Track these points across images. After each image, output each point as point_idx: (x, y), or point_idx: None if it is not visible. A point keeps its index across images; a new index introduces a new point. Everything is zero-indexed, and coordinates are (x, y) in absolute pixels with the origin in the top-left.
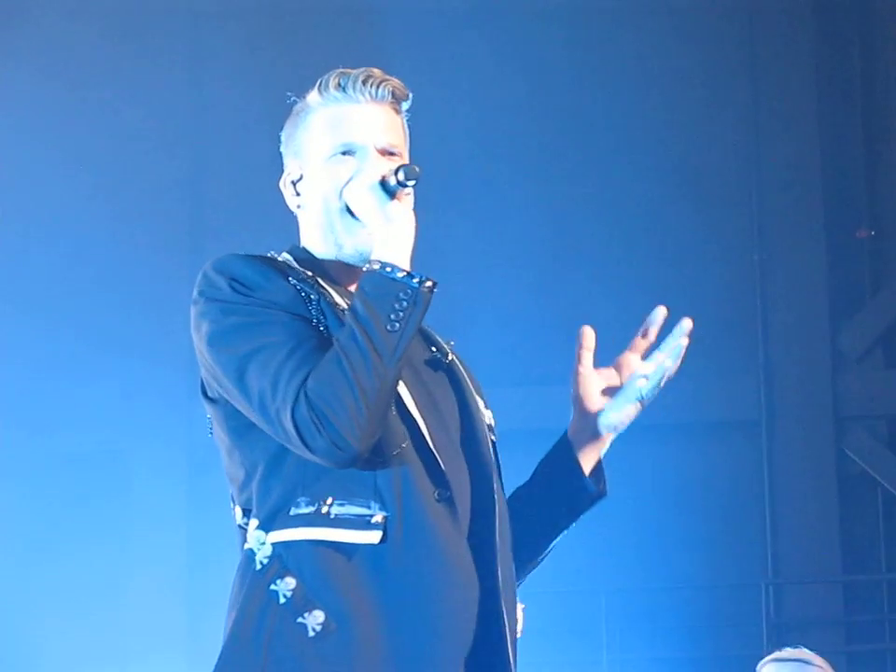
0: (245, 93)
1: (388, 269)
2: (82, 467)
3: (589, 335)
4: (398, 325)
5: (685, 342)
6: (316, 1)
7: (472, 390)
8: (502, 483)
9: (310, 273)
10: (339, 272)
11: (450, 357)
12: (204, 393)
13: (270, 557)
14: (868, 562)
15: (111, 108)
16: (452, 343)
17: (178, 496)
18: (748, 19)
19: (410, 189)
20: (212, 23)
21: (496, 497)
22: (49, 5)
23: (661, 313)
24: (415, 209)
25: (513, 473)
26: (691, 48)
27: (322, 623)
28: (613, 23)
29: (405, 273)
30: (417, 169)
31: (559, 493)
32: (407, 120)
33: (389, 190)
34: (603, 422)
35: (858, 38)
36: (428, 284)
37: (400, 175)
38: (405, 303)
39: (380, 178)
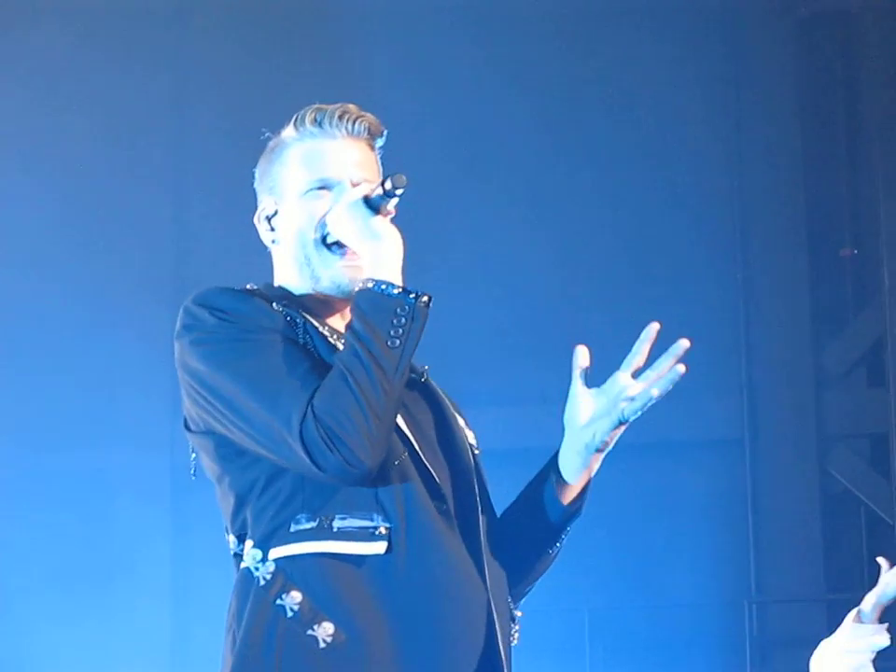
0: (229, 128)
1: (383, 286)
2: (64, 484)
3: (583, 354)
4: (398, 341)
5: (682, 368)
6: (304, 26)
7: (450, 407)
8: (489, 497)
9: (290, 303)
10: (316, 305)
11: (424, 378)
12: (188, 427)
13: (273, 573)
14: (851, 581)
15: (91, 140)
16: (427, 367)
17: (162, 513)
18: (731, 40)
19: (395, 201)
20: (196, 51)
21: (478, 508)
22: (26, 39)
23: (653, 329)
24: (397, 224)
25: (497, 492)
26: (672, 69)
27: (332, 635)
28: (596, 50)
29: (400, 290)
30: (404, 177)
31: (537, 512)
32: (381, 156)
33: (373, 207)
34: (587, 442)
35: (841, 57)
36: (424, 298)
37: (388, 185)
38: (403, 319)
39: (362, 197)
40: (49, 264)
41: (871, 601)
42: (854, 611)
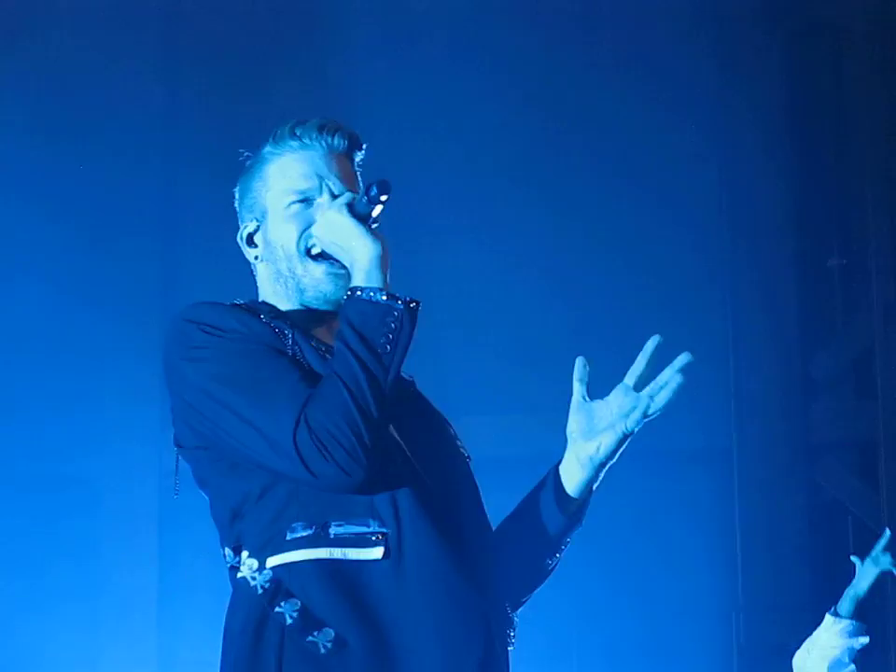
0: (220, 161)
1: (371, 293)
2: (50, 493)
3: (583, 366)
4: (388, 347)
5: (680, 378)
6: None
7: (440, 415)
8: (482, 504)
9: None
10: (304, 320)
11: (412, 388)
12: (179, 444)
13: (270, 581)
14: (838, 590)
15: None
16: (413, 377)
17: (149, 522)
18: (720, 52)
19: (380, 208)
20: (186, 75)
21: (472, 514)
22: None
23: (654, 342)
24: (383, 231)
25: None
26: (659, 82)
27: (332, 640)
28: (581, 59)
29: (388, 297)
30: (388, 184)
31: (536, 524)
32: (360, 165)
33: (358, 215)
34: (590, 455)
35: (831, 64)
36: (413, 304)
37: (372, 192)
38: (393, 325)
39: (346, 205)
40: (40, 277)
41: (847, 596)
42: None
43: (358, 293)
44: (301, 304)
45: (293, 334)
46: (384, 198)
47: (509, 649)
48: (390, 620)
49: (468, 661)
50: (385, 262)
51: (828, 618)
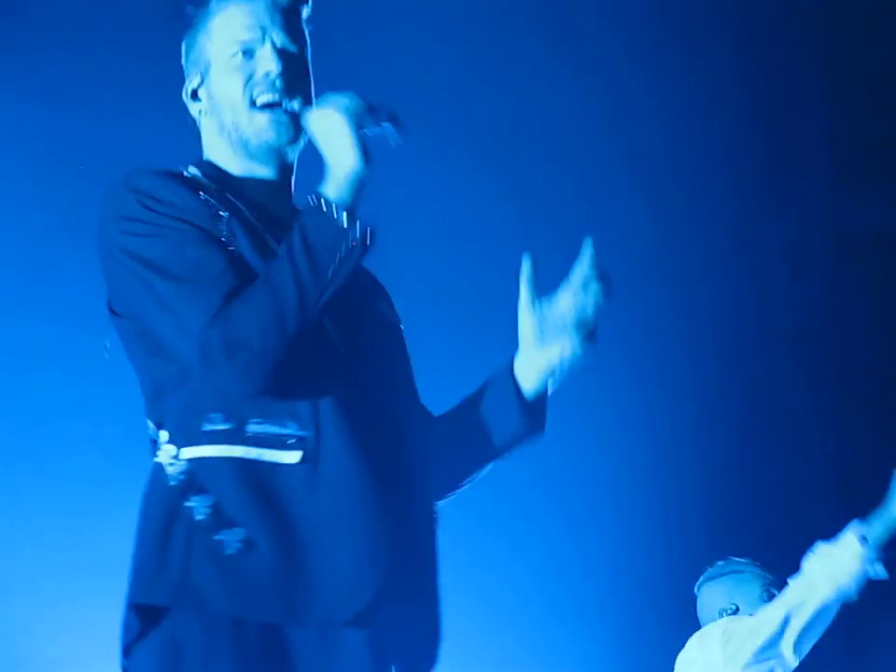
0: None
1: (335, 210)
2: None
3: (528, 265)
4: (330, 272)
5: (591, 270)
6: None
7: (376, 307)
8: (416, 396)
9: (218, 189)
10: (249, 187)
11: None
12: (112, 309)
13: (185, 473)
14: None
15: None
16: None
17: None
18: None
19: (376, 130)
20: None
21: (402, 411)
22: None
23: (589, 245)
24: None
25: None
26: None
27: (242, 541)
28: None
29: (350, 220)
30: (401, 120)
31: (491, 422)
32: (309, 21)
33: (359, 122)
34: (552, 362)
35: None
36: (369, 234)
37: (388, 125)
38: (344, 251)
39: (355, 109)
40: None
41: (881, 519)
42: (859, 528)
43: (323, 204)
44: (245, 160)
45: (230, 217)
46: (388, 125)
47: (435, 551)
48: (302, 523)
49: (375, 565)
50: (361, 183)
51: (853, 539)
